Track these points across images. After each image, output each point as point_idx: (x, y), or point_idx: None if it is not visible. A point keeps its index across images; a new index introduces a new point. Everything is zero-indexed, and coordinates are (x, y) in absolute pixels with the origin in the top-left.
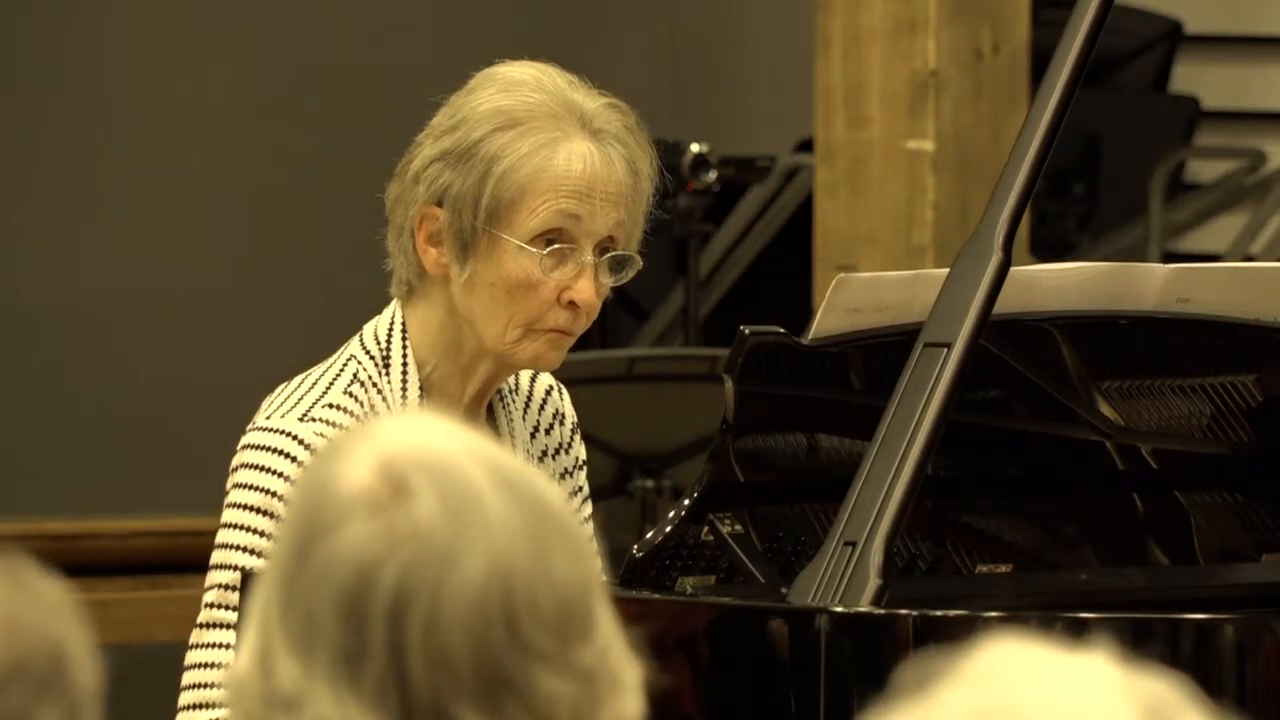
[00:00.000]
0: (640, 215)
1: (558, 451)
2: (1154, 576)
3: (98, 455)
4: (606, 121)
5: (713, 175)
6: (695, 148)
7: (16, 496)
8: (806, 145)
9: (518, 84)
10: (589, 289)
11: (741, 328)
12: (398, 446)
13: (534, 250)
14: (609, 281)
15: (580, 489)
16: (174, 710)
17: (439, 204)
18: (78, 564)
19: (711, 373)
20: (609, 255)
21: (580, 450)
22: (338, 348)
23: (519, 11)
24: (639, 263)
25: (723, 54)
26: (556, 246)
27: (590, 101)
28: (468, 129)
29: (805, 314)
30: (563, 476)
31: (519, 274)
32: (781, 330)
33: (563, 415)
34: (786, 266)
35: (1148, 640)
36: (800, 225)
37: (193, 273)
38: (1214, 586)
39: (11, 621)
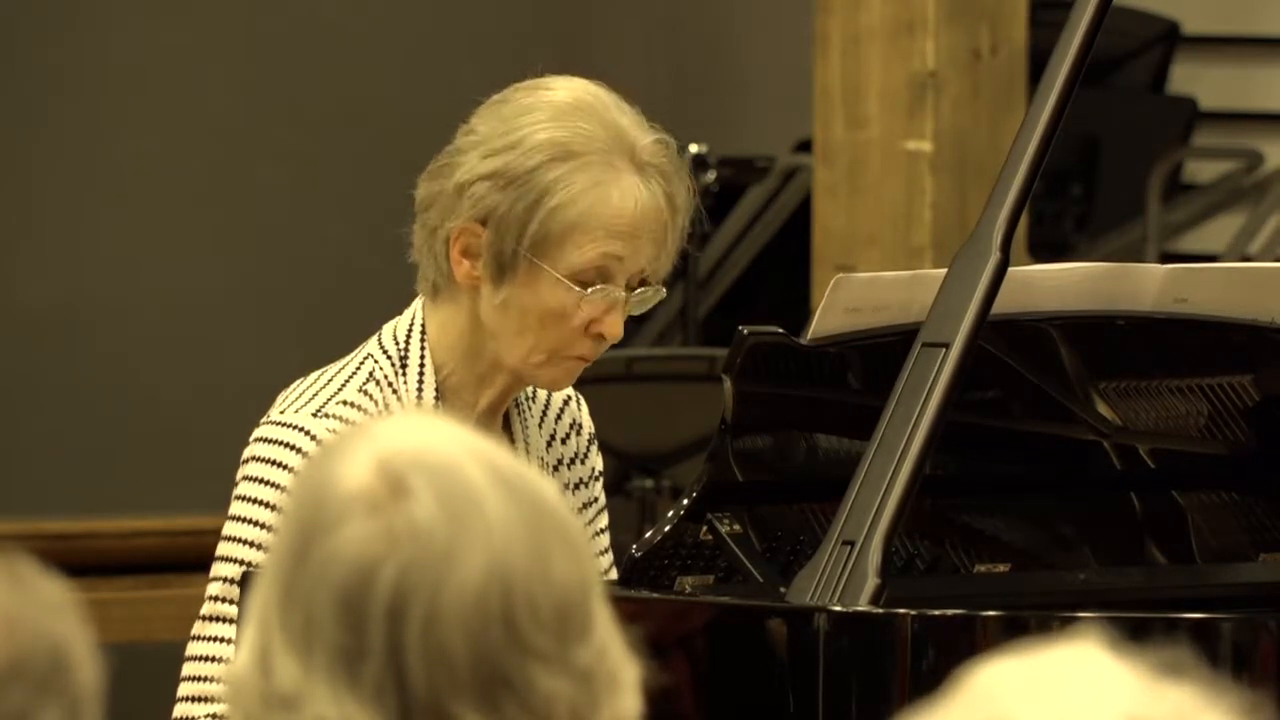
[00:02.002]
0: (673, 248)
1: (573, 461)
2: (1152, 576)
3: (98, 455)
4: (653, 155)
5: (711, 175)
6: (694, 148)
7: (16, 496)
8: (805, 146)
9: (572, 111)
10: (618, 324)
11: (740, 328)
12: (396, 446)
13: (576, 289)
14: (636, 312)
15: (596, 500)
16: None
17: (482, 222)
18: (78, 563)
19: (710, 373)
20: (638, 292)
21: (597, 461)
22: (337, 348)
23: (519, 11)
24: (663, 293)
25: (721, 54)
26: (599, 288)
27: (641, 135)
28: (521, 155)
29: (804, 314)
30: (577, 487)
31: (554, 305)
32: (780, 330)
33: (580, 425)
34: (785, 267)
35: (1145, 640)
36: (799, 225)
37: (193, 273)
38: (1212, 586)
39: (12, 621)
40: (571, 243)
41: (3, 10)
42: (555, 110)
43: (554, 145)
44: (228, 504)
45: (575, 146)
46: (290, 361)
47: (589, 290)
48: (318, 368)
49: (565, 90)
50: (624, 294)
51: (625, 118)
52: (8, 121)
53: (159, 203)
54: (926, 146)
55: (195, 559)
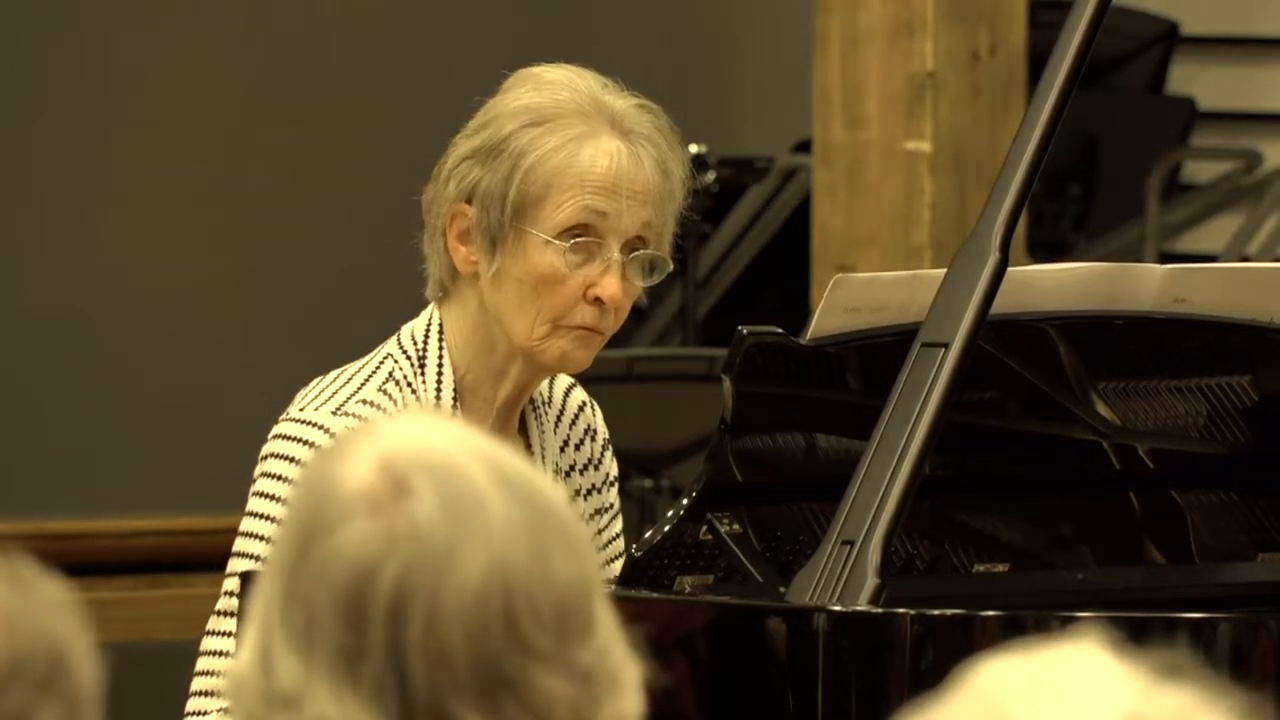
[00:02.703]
0: (670, 216)
1: (587, 467)
2: (1150, 576)
3: (98, 455)
4: (637, 122)
5: (711, 176)
6: (693, 148)
7: (16, 496)
8: (804, 146)
9: (549, 83)
10: (615, 285)
11: (740, 328)
12: (399, 446)
13: (559, 244)
14: (640, 282)
15: (611, 506)
16: (175, 709)
17: (468, 201)
18: (78, 563)
19: (710, 373)
20: (636, 255)
21: (611, 467)
22: (336, 348)
23: (519, 11)
24: (669, 264)
25: (721, 55)
26: (581, 240)
27: (621, 102)
28: (497, 126)
29: (803, 314)
30: (590, 492)
31: (545, 268)
32: (779, 330)
33: (594, 431)
34: (784, 267)
35: (1144, 639)
36: (798, 225)
37: (192, 273)
38: (1210, 585)
39: (11, 620)
40: (551, 202)
41: (3, 10)
42: (535, 83)
43: (528, 110)
44: (227, 504)
45: (549, 111)
46: (289, 361)
47: (572, 241)
48: (317, 368)
49: (550, 69)
50: (618, 256)
51: (609, 93)
52: (8, 122)
53: (159, 203)
54: (925, 147)
55: (195, 559)
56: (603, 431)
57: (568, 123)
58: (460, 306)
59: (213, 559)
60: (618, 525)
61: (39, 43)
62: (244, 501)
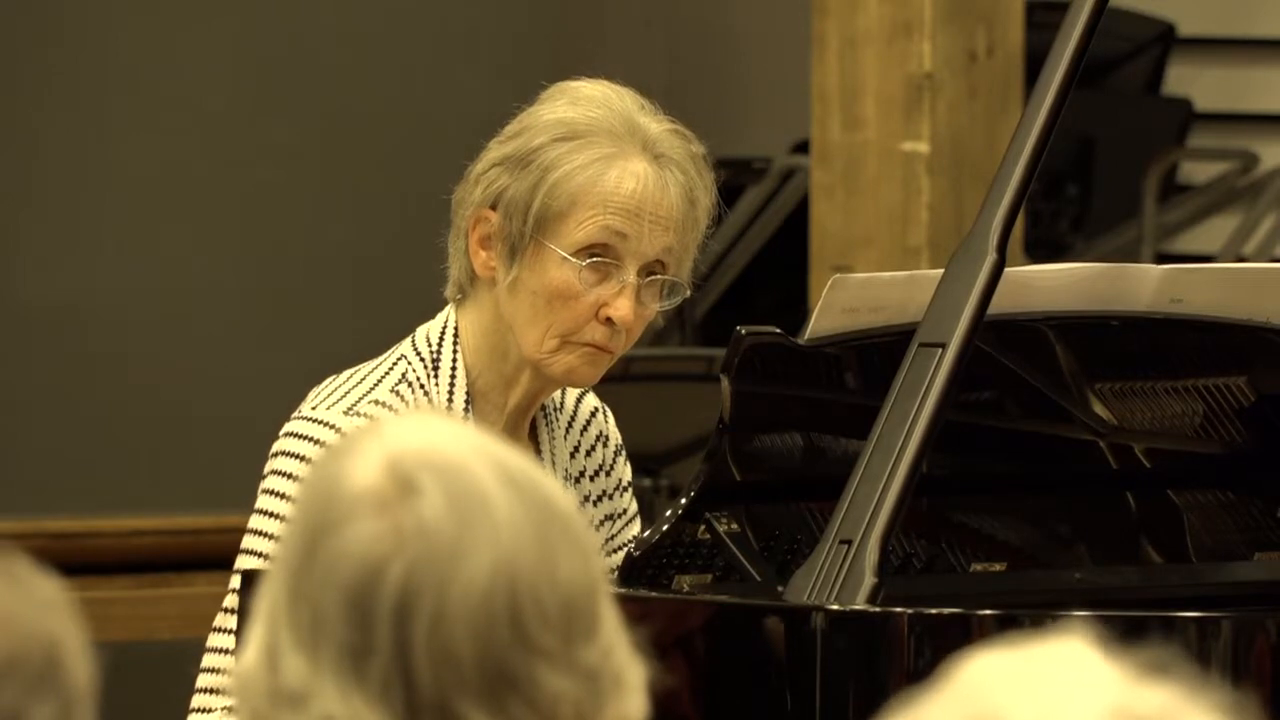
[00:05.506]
0: (692, 244)
1: (598, 473)
2: (1147, 575)
3: (98, 455)
4: (669, 147)
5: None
6: None
7: (16, 496)
8: (802, 147)
9: (585, 99)
10: (627, 307)
11: (738, 328)
12: (405, 445)
13: (576, 262)
14: (655, 306)
15: (625, 511)
16: (176, 709)
17: (493, 207)
18: (78, 562)
19: (708, 373)
20: (654, 279)
21: (624, 472)
22: (337, 347)
23: (518, 11)
24: (687, 290)
25: (719, 56)
26: (598, 260)
27: (655, 125)
28: (529, 136)
29: (801, 314)
30: (600, 498)
31: (560, 283)
32: (778, 330)
33: (606, 437)
34: (783, 267)
35: (1141, 638)
36: (796, 226)
37: (193, 272)
38: (1207, 585)
39: (5, 618)
40: (573, 218)
41: (2, 10)
42: (572, 97)
43: (561, 124)
44: (228, 503)
45: (581, 126)
46: (289, 361)
47: (588, 260)
48: (316, 368)
49: (589, 85)
50: (634, 279)
51: (644, 115)
52: (8, 121)
53: (159, 203)
54: (923, 148)
55: (195, 558)
56: (615, 437)
57: (598, 141)
58: (477, 310)
59: (214, 558)
60: (634, 529)
61: (39, 42)
62: (244, 501)
